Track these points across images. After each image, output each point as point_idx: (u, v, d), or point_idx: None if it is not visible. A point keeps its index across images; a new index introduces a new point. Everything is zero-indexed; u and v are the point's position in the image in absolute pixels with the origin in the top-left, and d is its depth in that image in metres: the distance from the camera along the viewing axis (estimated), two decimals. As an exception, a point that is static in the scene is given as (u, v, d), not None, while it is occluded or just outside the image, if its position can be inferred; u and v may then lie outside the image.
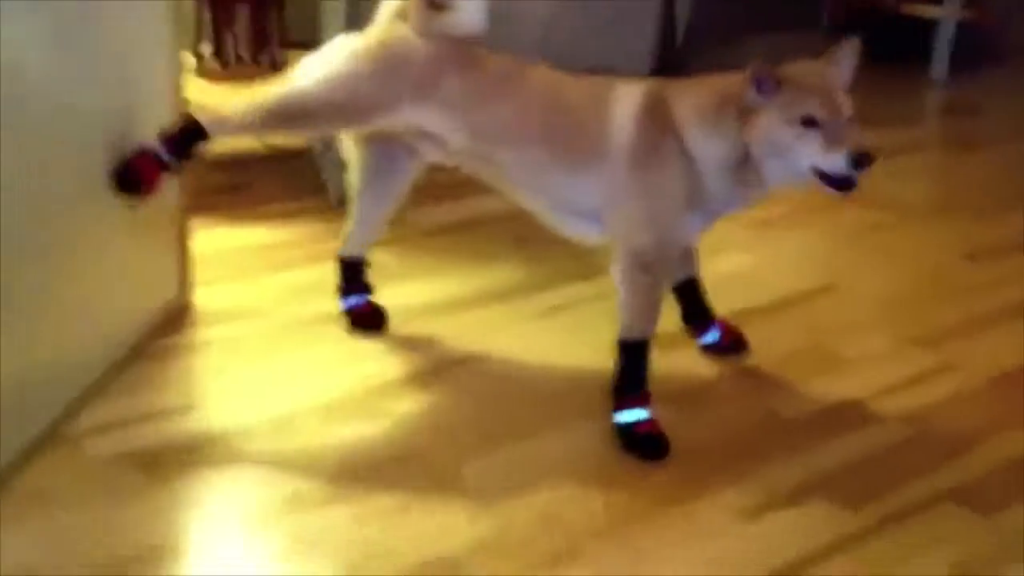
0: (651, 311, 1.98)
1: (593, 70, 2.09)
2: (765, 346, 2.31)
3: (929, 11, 4.40)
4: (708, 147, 1.89)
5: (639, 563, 1.69)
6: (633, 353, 1.99)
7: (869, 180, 3.24)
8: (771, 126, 1.81)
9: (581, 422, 2.03)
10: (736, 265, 2.67)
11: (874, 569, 1.71)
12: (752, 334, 2.32)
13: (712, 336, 2.28)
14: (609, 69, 2.09)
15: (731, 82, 1.87)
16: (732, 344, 2.30)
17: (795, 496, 1.87)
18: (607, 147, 1.93)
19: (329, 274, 2.32)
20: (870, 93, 4.03)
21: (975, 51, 4.44)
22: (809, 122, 1.79)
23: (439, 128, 2.00)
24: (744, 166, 1.87)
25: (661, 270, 1.99)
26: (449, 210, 2.83)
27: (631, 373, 1.99)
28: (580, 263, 2.40)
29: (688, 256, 2.21)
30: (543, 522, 1.76)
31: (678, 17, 4.12)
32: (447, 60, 1.98)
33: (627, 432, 1.97)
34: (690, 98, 1.92)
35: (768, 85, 1.81)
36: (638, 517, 1.80)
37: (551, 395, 2.13)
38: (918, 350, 2.36)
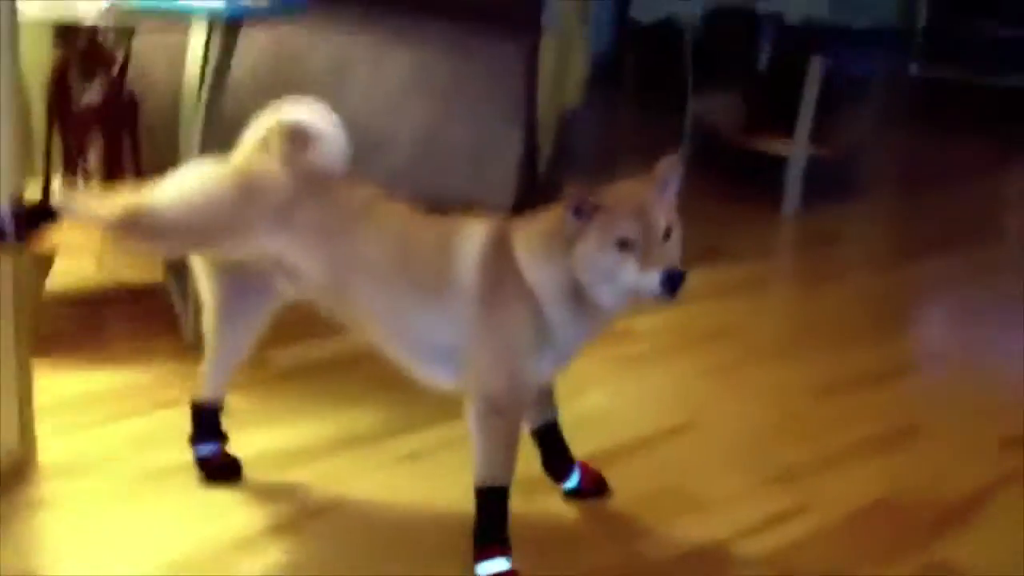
0: (508, 456, 1.96)
1: (458, 201, 2.10)
2: (626, 487, 2.31)
3: (780, 147, 4.60)
4: (544, 279, 1.89)
5: None
6: (491, 500, 1.96)
7: (726, 317, 3.34)
8: (589, 251, 1.81)
9: (443, 573, 1.97)
10: (594, 404, 2.68)
11: None
12: (613, 475, 2.31)
13: (573, 480, 2.27)
14: (474, 201, 2.11)
15: (560, 211, 1.87)
16: (593, 487, 2.28)
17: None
18: (454, 287, 1.93)
19: (180, 421, 2.24)
20: (725, 227, 4.22)
21: (826, 185, 4.66)
22: (623, 244, 1.79)
23: (293, 259, 1.99)
24: (581, 294, 1.87)
25: (516, 413, 1.97)
26: (306, 351, 2.78)
27: (490, 521, 1.96)
28: (441, 406, 2.36)
29: (546, 398, 2.21)
30: None
31: (542, 147, 4.21)
32: (304, 190, 1.98)
33: (489, 584, 1.93)
34: (527, 232, 1.93)
35: (585, 210, 1.82)
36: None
37: (412, 545, 2.07)
38: (776, 489, 2.39)
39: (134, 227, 1.98)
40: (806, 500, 2.35)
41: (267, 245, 1.98)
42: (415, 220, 2.02)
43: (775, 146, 4.64)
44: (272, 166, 2.00)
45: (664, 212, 1.83)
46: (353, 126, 2.05)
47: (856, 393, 2.92)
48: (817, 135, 4.52)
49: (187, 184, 2.01)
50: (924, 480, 2.48)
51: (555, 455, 2.26)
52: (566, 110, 4.79)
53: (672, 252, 1.81)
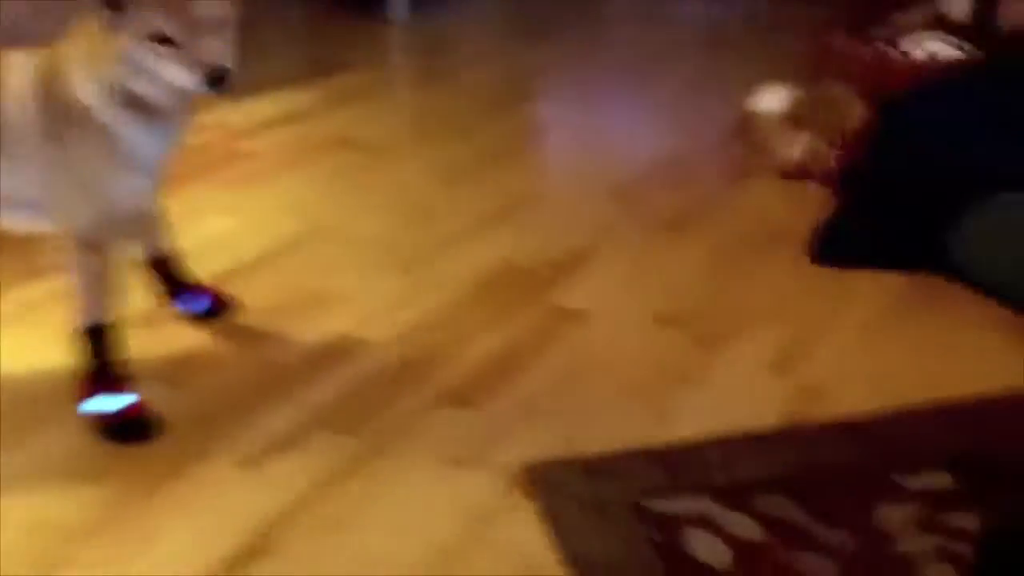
0: (108, 291, 1.88)
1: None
2: (255, 301, 2.29)
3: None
4: (97, 93, 1.75)
5: (145, 543, 1.63)
6: (96, 339, 1.88)
7: (344, 126, 3.32)
8: (126, 47, 1.70)
9: (59, 422, 1.90)
10: (216, 227, 2.61)
11: (381, 482, 1.78)
12: (240, 291, 2.29)
13: (198, 303, 2.22)
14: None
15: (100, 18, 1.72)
16: (219, 306, 2.25)
17: (296, 436, 1.89)
18: (13, 136, 1.77)
19: None
20: (335, 41, 4.16)
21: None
22: (159, 39, 1.68)
23: None
24: (139, 100, 1.75)
25: (108, 245, 1.87)
26: None
27: (99, 360, 1.89)
28: (25, 261, 2.22)
29: (153, 227, 2.12)
30: (31, 532, 1.64)
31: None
32: None
33: (106, 420, 1.87)
34: (72, 51, 1.78)
35: (119, 5, 1.68)
36: (136, 499, 1.73)
37: (22, 402, 1.96)
38: (402, 275, 2.45)
39: None
40: (434, 279, 2.43)
41: None
42: None
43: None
44: None
45: (208, 5, 1.71)
46: None
47: (477, 175, 3.01)
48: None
49: None
50: (540, 241, 2.63)
51: (174, 283, 2.20)
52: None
53: (216, 46, 1.70)
